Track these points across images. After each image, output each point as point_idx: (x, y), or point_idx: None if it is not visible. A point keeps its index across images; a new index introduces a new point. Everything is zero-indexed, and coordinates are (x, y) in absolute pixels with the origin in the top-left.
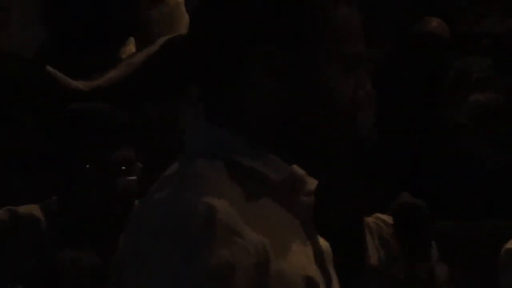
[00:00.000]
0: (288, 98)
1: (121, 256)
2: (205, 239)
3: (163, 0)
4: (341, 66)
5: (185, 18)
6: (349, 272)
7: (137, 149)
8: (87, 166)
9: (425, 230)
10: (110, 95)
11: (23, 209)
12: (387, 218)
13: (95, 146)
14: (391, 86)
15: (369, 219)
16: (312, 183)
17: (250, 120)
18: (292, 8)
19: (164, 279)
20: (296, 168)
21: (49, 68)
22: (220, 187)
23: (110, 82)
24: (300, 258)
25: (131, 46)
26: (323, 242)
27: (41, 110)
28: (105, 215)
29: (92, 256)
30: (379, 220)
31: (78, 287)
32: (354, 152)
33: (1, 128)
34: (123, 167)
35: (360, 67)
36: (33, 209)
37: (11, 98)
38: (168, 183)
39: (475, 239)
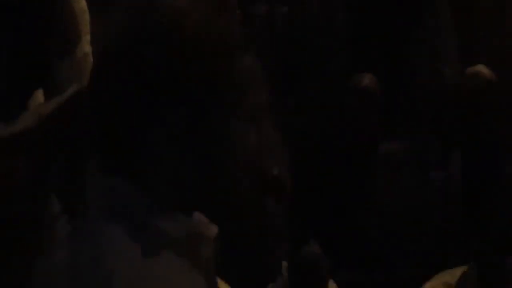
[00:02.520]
0: (191, 163)
1: None
2: None
3: (73, 51)
4: (245, 117)
5: None
6: None
7: None
8: None
9: None
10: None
11: None
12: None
13: None
14: None
15: None
16: (213, 231)
17: (155, 180)
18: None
19: None
20: (198, 215)
21: None
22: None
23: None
24: None
25: (39, 97)
26: None
27: None
28: None
29: None
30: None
31: None
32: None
33: None
34: None
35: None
36: None
37: None
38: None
39: None
